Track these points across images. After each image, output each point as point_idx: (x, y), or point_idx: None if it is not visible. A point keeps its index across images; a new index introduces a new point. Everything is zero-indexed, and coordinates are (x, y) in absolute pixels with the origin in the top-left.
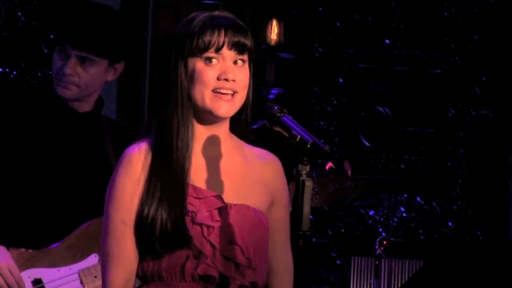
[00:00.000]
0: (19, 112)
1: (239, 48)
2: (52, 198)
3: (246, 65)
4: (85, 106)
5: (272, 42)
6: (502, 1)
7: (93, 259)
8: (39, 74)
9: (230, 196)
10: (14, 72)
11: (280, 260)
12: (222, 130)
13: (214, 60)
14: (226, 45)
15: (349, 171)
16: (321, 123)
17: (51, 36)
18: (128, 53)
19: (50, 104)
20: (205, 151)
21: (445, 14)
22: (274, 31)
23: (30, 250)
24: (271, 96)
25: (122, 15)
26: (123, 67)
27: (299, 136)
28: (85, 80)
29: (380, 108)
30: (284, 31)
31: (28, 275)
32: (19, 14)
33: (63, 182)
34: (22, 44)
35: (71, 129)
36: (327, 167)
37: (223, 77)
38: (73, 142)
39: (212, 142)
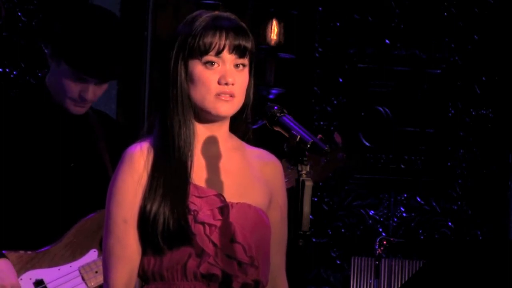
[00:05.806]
0: (16, 112)
1: (240, 51)
2: (49, 197)
3: (247, 68)
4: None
5: (272, 42)
6: (502, 1)
7: (92, 255)
8: (39, 74)
9: (231, 195)
10: (14, 72)
11: (272, 261)
12: (222, 130)
13: (214, 64)
14: (227, 48)
15: (340, 143)
16: (321, 123)
17: (53, 58)
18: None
19: (45, 105)
20: (206, 150)
21: (445, 14)
22: (274, 31)
23: (29, 252)
24: (271, 96)
25: (124, 25)
26: None
27: (299, 136)
28: (98, 96)
29: (380, 108)
30: (284, 31)
31: (29, 277)
32: (19, 14)
33: (59, 181)
34: (22, 44)
35: (66, 129)
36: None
37: (223, 81)
38: (72, 142)
39: (212, 142)
